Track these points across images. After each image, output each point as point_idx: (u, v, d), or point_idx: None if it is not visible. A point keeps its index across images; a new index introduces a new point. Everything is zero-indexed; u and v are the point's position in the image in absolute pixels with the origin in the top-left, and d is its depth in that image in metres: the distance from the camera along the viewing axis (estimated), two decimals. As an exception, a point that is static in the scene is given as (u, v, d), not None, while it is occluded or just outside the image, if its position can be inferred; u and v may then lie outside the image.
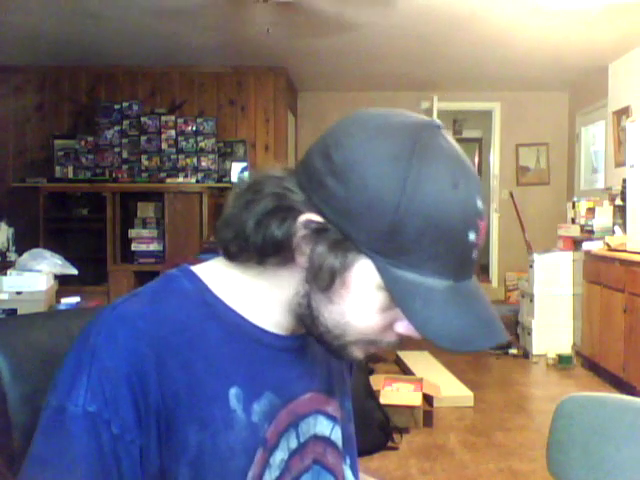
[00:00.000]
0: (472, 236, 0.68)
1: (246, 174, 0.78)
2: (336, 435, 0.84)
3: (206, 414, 0.69)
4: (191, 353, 0.70)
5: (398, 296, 0.67)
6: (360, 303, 0.70)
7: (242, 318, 0.75)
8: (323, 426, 0.82)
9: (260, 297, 0.75)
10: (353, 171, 0.67)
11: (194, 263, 0.79)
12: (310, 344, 0.79)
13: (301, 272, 0.71)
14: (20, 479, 0.67)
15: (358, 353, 0.75)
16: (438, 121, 0.71)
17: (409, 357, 4.78)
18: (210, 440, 0.69)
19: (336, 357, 0.77)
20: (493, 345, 0.69)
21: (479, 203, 0.69)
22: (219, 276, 0.76)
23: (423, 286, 0.66)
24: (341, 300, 0.70)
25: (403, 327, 0.71)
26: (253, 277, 0.75)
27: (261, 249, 0.70)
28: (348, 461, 0.87)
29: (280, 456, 0.75)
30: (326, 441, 0.82)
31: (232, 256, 0.74)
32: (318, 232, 0.68)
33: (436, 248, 0.66)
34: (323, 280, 0.69)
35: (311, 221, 0.68)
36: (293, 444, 0.77)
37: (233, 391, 0.71)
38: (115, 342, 0.67)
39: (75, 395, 0.65)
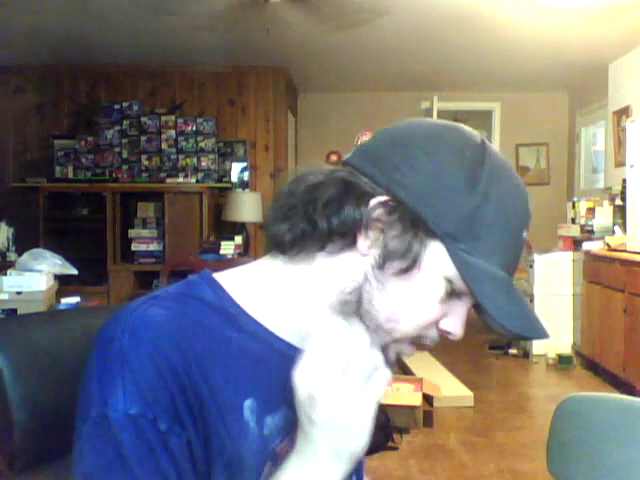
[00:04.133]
0: (525, 234, 0.72)
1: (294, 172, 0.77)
2: None
3: (221, 423, 0.68)
4: (210, 361, 0.68)
5: (470, 280, 0.68)
6: (423, 291, 0.70)
7: (264, 329, 0.73)
8: None
9: (287, 306, 0.73)
10: (434, 156, 0.68)
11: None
12: None
13: (356, 260, 0.70)
14: None
15: (393, 355, 0.74)
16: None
17: (409, 357, 4.78)
18: (232, 448, 0.68)
19: None
20: (544, 337, 0.71)
21: (531, 207, 0.73)
22: (242, 284, 0.74)
23: (490, 273, 0.68)
24: (401, 286, 0.69)
25: (449, 324, 0.72)
26: (283, 283, 0.73)
27: (329, 233, 0.69)
28: (354, 479, 0.86)
29: None
30: None
31: (285, 248, 0.72)
32: (392, 213, 0.68)
33: (502, 239, 0.69)
34: (393, 262, 0.68)
35: (386, 202, 0.68)
36: None
37: (248, 403, 0.70)
38: (142, 343, 0.65)
39: (114, 401, 0.63)
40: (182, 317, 0.69)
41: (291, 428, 0.72)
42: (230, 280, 0.74)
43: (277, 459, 0.71)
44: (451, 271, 0.68)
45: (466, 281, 0.68)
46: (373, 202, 0.68)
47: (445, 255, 0.68)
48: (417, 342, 0.74)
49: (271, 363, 0.72)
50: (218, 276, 0.75)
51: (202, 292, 0.72)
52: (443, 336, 0.74)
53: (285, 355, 0.73)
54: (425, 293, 0.70)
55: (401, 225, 0.68)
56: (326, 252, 0.71)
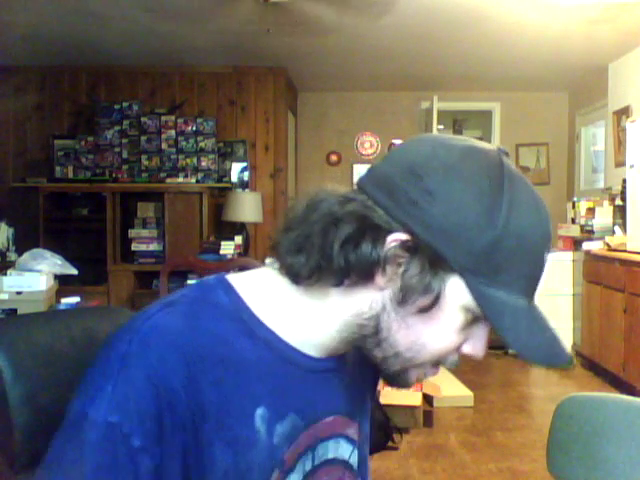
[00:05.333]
0: (546, 256, 0.72)
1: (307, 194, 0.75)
2: (354, 458, 0.84)
3: (232, 432, 0.68)
4: (223, 370, 0.68)
5: (491, 314, 0.67)
6: (442, 323, 0.69)
7: (275, 336, 0.73)
8: (343, 449, 0.81)
9: (301, 316, 0.73)
10: (450, 191, 0.67)
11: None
12: (340, 367, 0.78)
13: (373, 293, 0.69)
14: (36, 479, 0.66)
15: (414, 377, 0.74)
16: (503, 147, 0.73)
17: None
18: (233, 459, 0.68)
19: (388, 381, 0.76)
20: (565, 362, 0.71)
21: (551, 224, 0.73)
22: (257, 290, 0.74)
23: (509, 304, 0.68)
24: (421, 321, 0.69)
25: (470, 347, 0.72)
26: (300, 295, 0.73)
27: (346, 271, 0.68)
28: None
29: (295, 479, 0.74)
30: (345, 464, 0.82)
31: (301, 280, 0.71)
32: (410, 251, 0.67)
33: (522, 268, 0.69)
34: (414, 300, 0.68)
35: (404, 240, 0.67)
36: (308, 467, 0.76)
37: (259, 411, 0.70)
38: (147, 353, 0.65)
39: (98, 403, 0.64)
40: (196, 326, 0.69)
41: (298, 434, 0.73)
42: (245, 286, 0.74)
43: (284, 466, 0.72)
44: (471, 302, 0.68)
45: (486, 315, 0.68)
46: (390, 239, 0.67)
47: (464, 287, 0.68)
48: (439, 364, 0.75)
49: (281, 371, 0.72)
50: (233, 280, 0.74)
51: (217, 297, 0.72)
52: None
53: (295, 363, 0.73)
54: (445, 325, 0.70)
55: (420, 263, 0.67)
56: (342, 286, 0.70)
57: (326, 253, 0.68)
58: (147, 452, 0.63)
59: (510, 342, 0.68)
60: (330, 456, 0.79)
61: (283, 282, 0.73)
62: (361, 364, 0.84)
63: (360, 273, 0.68)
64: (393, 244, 0.67)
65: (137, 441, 0.63)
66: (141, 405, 0.63)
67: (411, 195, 0.67)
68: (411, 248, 0.67)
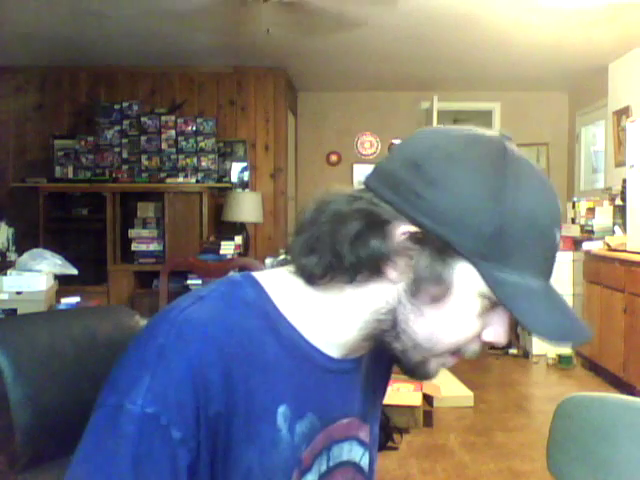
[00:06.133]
0: (557, 234, 0.71)
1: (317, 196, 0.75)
2: (365, 461, 0.84)
3: (256, 430, 0.68)
4: (250, 365, 0.68)
5: (505, 298, 0.67)
6: (459, 311, 0.69)
7: (299, 334, 0.73)
8: (356, 452, 0.81)
9: (322, 315, 0.73)
10: (453, 179, 0.67)
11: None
12: (358, 369, 0.78)
13: (387, 287, 0.70)
14: (67, 477, 0.63)
15: (435, 368, 0.74)
16: (505, 132, 0.74)
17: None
18: (258, 458, 0.68)
19: (409, 374, 0.75)
20: (588, 339, 0.70)
21: (559, 202, 0.72)
22: (283, 287, 0.74)
23: (524, 287, 0.67)
24: (437, 311, 0.69)
25: (491, 334, 0.72)
26: (318, 294, 0.73)
27: (357, 267, 0.69)
28: None
29: (311, 479, 0.74)
30: (356, 467, 0.82)
31: (315, 279, 0.72)
32: (419, 242, 0.68)
33: (534, 249, 0.68)
34: (427, 291, 0.68)
35: (411, 232, 0.68)
36: (323, 468, 0.76)
37: (281, 409, 0.70)
38: (184, 345, 0.65)
39: (135, 394, 0.63)
40: (228, 320, 0.69)
41: (315, 435, 0.73)
42: (272, 282, 0.74)
43: (302, 465, 0.72)
44: (485, 288, 0.68)
45: (500, 299, 0.67)
46: (399, 232, 0.68)
47: (476, 273, 0.68)
48: (459, 353, 0.74)
49: (302, 370, 0.72)
50: (260, 277, 0.75)
51: (245, 293, 0.72)
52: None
53: (315, 362, 0.73)
54: (462, 313, 0.69)
55: (429, 253, 0.68)
56: (355, 282, 0.71)
57: (337, 251, 0.69)
58: (186, 444, 0.63)
59: (528, 325, 0.67)
60: (344, 458, 0.79)
61: (301, 283, 0.74)
62: (374, 367, 0.84)
63: (372, 268, 0.69)
64: (402, 237, 0.68)
65: (176, 433, 0.62)
66: (181, 396, 0.63)
67: (415, 187, 0.68)
68: (420, 239, 0.67)
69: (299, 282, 0.74)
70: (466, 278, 0.68)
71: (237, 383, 0.66)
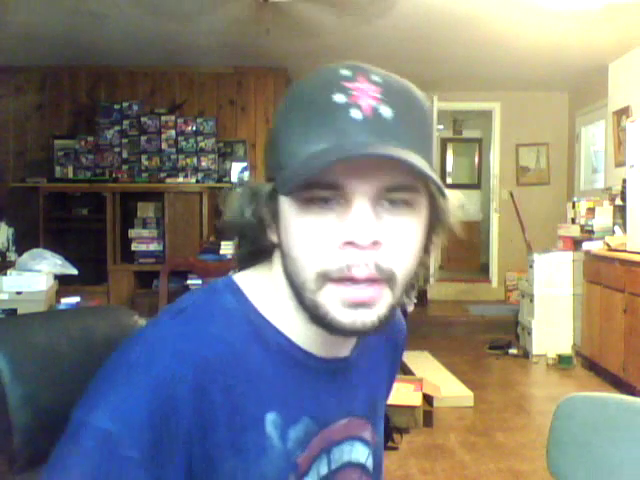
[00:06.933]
0: (339, 97, 0.64)
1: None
2: (370, 462, 0.82)
3: (241, 440, 0.67)
4: (232, 376, 0.67)
5: (284, 189, 0.65)
6: (294, 229, 0.67)
7: (285, 338, 0.72)
8: (359, 453, 0.80)
9: (295, 312, 0.71)
10: (275, 124, 0.70)
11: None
12: (350, 367, 0.77)
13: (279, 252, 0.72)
14: None
15: (335, 308, 0.66)
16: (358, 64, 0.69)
17: (409, 357, 4.78)
18: (243, 467, 0.67)
19: (314, 320, 0.69)
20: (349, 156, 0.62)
21: (344, 71, 0.66)
22: (264, 290, 0.74)
23: (301, 156, 0.64)
24: (289, 244, 0.68)
25: (342, 234, 0.64)
26: (279, 290, 0.73)
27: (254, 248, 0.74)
28: None
29: None
30: (362, 468, 0.81)
31: (247, 266, 0.77)
32: (271, 198, 0.69)
33: (305, 127, 0.65)
34: (283, 232, 0.69)
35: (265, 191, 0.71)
36: (323, 470, 0.75)
37: (270, 417, 0.69)
38: (152, 363, 0.64)
39: (99, 410, 0.63)
40: (204, 333, 0.68)
41: (311, 438, 0.72)
42: (251, 286, 0.74)
43: (298, 470, 0.71)
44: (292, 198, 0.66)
45: (279, 190, 0.66)
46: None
47: (289, 200, 0.66)
48: (343, 279, 0.65)
49: (292, 374, 0.72)
50: (240, 281, 0.74)
51: (226, 302, 0.72)
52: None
53: (305, 365, 0.72)
54: (299, 234, 0.66)
55: (272, 201, 0.70)
56: (269, 263, 0.74)
57: (246, 234, 0.74)
58: (142, 465, 0.61)
59: (298, 171, 0.62)
60: (346, 459, 0.78)
61: (268, 281, 0.75)
62: (374, 365, 0.84)
63: (264, 240, 0.73)
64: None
65: (133, 452, 0.61)
66: (142, 415, 0.62)
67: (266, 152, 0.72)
68: (271, 194, 0.69)
69: (277, 282, 0.72)
70: (286, 207, 0.67)
71: (215, 395, 0.65)
